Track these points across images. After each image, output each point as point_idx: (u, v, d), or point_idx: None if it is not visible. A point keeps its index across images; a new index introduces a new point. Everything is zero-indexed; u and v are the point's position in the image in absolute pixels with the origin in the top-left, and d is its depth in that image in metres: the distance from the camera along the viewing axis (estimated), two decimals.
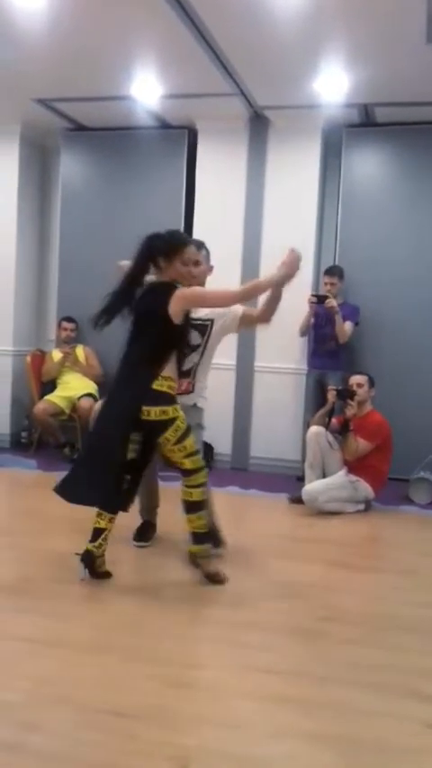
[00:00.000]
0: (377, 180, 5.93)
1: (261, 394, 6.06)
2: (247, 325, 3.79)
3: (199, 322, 3.58)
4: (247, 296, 3.45)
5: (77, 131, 6.44)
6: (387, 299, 5.82)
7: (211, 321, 3.63)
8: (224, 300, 3.46)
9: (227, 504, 5.11)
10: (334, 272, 5.64)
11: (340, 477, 4.83)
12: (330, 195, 6.09)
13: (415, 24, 4.07)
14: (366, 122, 5.84)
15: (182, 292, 3.28)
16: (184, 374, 3.56)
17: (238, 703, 2.33)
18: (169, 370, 3.30)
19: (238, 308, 3.65)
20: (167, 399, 3.26)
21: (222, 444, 6.10)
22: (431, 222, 5.75)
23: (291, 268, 3.32)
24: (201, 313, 3.58)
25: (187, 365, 3.61)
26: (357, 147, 5.92)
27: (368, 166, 5.95)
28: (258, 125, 5.94)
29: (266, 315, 3.60)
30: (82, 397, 6.04)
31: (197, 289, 3.41)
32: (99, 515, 3.29)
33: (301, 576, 3.56)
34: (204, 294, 3.44)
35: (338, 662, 2.66)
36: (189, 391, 3.67)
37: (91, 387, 6.19)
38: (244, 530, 4.61)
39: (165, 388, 3.26)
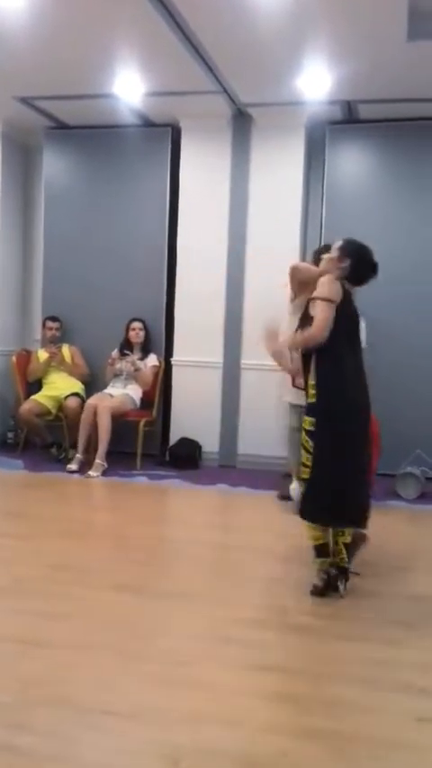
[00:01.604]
0: (361, 176, 5.94)
1: (248, 391, 6.06)
2: None
3: None
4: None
5: (60, 130, 6.40)
6: (372, 295, 5.72)
7: None
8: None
9: (216, 501, 5.13)
10: None
11: None
12: (314, 192, 6.10)
13: (396, 22, 4.09)
14: (349, 119, 5.85)
15: None
16: None
17: (231, 700, 2.33)
18: None
19: None
20: None
21: (210, 442, 6.10)
22: (415, 218, 5.79)
23: None
24: None
25: None
26: (341, 143, 5.93)
27: (351, 163, 5.97)
28: (242, 122, 5.93)
29: None
30: (69, 396, 6.01)
31: None
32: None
33: (292, 572, 3.57)
34: None
35: (332, 658, 2.68)
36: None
37: (77, 386, 6.17)
38: (234, 527, 4.63)
39: None
